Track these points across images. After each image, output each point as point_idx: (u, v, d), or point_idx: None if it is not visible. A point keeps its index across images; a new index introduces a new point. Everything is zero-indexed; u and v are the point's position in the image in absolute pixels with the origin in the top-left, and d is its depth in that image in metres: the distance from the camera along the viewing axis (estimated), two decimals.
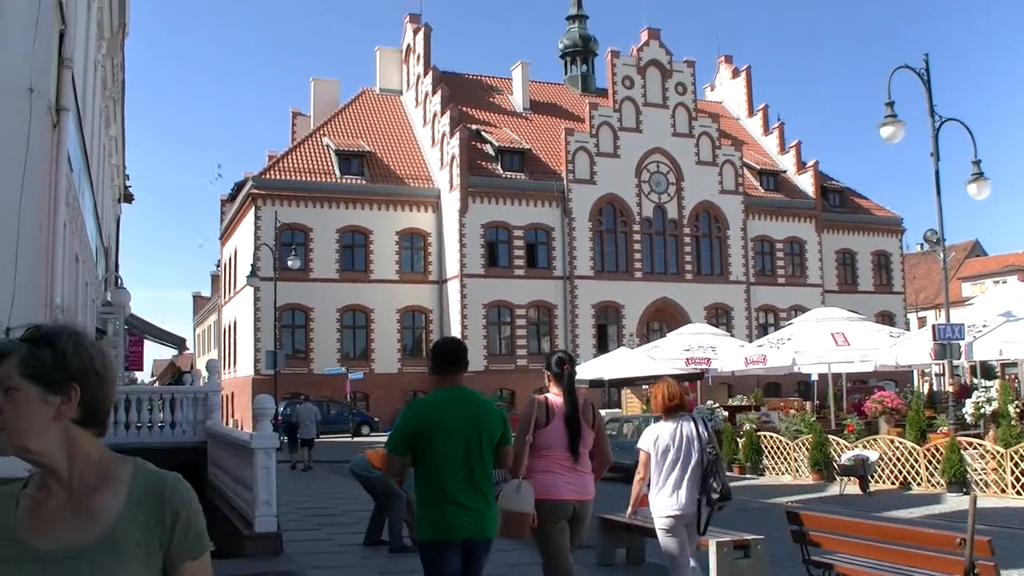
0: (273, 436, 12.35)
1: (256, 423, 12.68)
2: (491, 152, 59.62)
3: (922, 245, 76.94)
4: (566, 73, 73.92)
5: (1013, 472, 18.40)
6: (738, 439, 26.01)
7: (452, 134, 57.73)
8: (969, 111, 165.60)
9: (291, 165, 57.67)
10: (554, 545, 7.18)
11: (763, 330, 59.31)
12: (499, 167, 58.93)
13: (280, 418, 37.04)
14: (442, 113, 59.74)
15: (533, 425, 7.28)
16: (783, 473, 24.14)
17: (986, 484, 19.05)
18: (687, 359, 30.91)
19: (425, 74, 63.82)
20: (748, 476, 25.03)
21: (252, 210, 55.28)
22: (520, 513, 6.91)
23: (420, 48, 65.07)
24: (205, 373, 21.05)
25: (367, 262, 57.69)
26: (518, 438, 7.14)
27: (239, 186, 61.44)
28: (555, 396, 7.51)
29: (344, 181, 57.75)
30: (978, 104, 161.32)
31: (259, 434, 12.26)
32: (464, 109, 61.80)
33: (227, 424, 46.30)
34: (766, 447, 25.24)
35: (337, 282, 56.44)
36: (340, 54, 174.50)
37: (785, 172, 69.72)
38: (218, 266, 76.84)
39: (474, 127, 60.33)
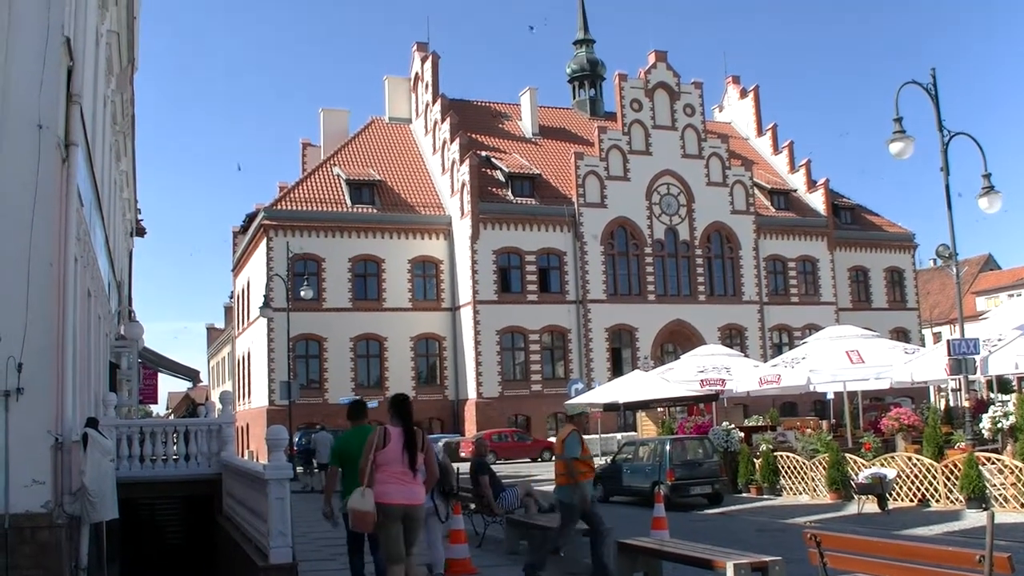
0: (287, 466, 12.30)
1: (270, 454, 12.64)
2: (501, 178, 59.74)
3: (935, 260, 76.45)
4: (574, 97, 74.11)
5: None
6: (755, 460, 25.88)
7: (462, 161, 57.88)
8: (979, 124, 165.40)
9: (302, 195, 57.86)
10: (388, 538, 9.53)
11: (777, 349, 59.21)
12: (510, 193, 59.04)
13: (296, 448, 37.18)
14: (451, 140, 59.92)
15: (374, 448, 9.54)
16: (801, 493, 24.01)
17: (1005, 499, 18.92)
18: (702, 381, 30.84)
19: (434, 102, 64.05)
20: (766, 496, 24.91)
21: (264, 241, 55.44)
22: (363, 511, 9.33)
23: (428, 76, 65.33)
24: (219, 405, 21.04)
25: (380, 291, 57.76)
26: (363, 458, 9.58)
27: (251, 217, 61.61)
28: (392, 426, 9.72)
29: (355, 210, 57.89)
30: (989, 117, 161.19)
31: (273, 465, 12.21)
32: (473, 136, 61.97)
33: (242, 455, 46.34)
34: (783, 467, 25.11)
35: (350, 311, 56.50)
36: (349, 84, 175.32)
37: (796, 191, 69.71)
38: (231, 298, 77.03)
39: (484, 154, 60.48)
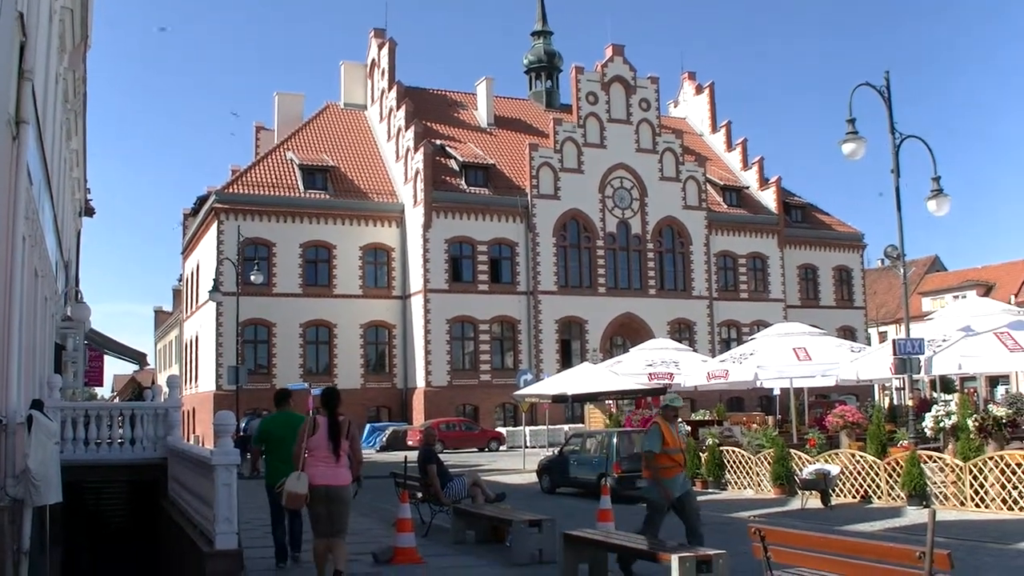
0: (234, 452, 12.24)
1: (217, 439, 12.57)
2: (455, 167, 59.65)
3: (883, 260, 77.30)
4: (531, 88, 74.17)
5: (972, 485, 18.56)
6: (701, 454, 26.07)
7: (416, 149, 57.72)
8: (930, 127, 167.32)
9: (254, 179, 57.45)
10: (314, 515, 10.75)
11: (726, 345, 59.61)
12: (463, 182, 58.99)
13: (241, 433, 36.95)
14: (406, 128, 59.73)
15: (305, 435, 10.73)
16: (745, 487, 24.23)
17: (945, 497, 19.21)
18: (650, 374, 30.93)
19: (390, 89, 63.82)
20: (711, 490, 25.09)
21: (215, 224, 55.03)
22: (298, 493, 10.49)
23: (385, 63, 65.09)
24: (166, 389, 20.89)
25: (330, 277, 57.55)
26: (296, 444, 10.82)
27: (202, 200, 61.07)
28: (321, 416, 10.88)
29: (308, 196, 57.60)
30: (939, 120, 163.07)
31: (219, 450, 12.13)
32: (428, 124, 61.85)
33: (188, 440, 45.99)
34: (729, 461, 25.32)
35: (300, 297, 56.23)
36: (305, 68, 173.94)
37: (748, 188, 70.19)
38: (180, 281, 76.36)
39: (438, 142, 60.39)
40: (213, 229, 55.48)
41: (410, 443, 46.32)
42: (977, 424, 19.83)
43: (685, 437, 26.88)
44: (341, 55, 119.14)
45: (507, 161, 62.13)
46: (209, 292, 45.54)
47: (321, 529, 10.77)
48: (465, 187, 58.84)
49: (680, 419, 28.91)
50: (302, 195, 57.55)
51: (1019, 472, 17.79)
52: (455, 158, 59.94)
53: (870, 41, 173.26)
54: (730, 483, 25.14)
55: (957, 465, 18.98)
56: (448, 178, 58.75)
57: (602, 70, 63.91)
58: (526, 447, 42.17)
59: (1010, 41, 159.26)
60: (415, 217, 57.63)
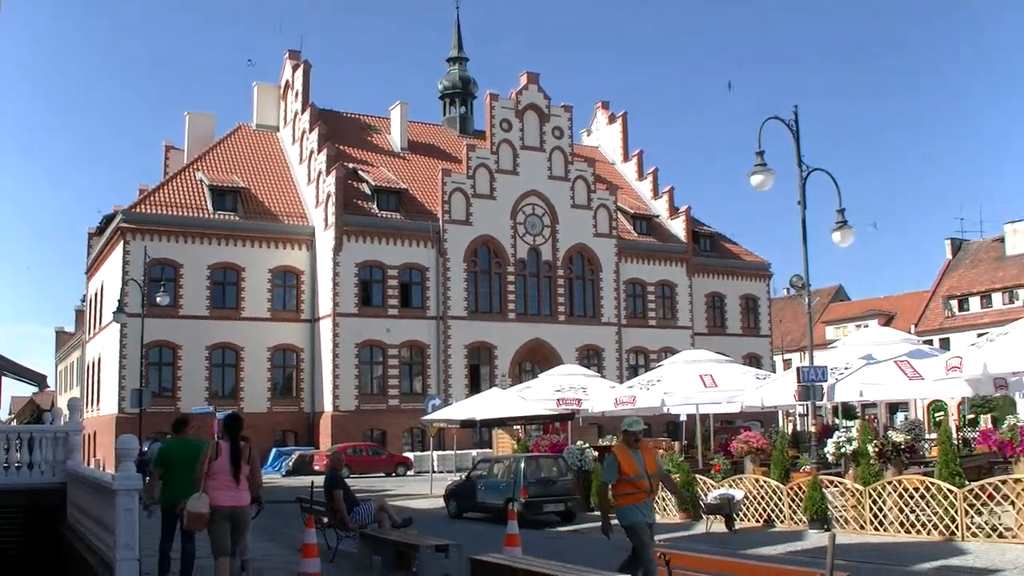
0: (136, 477, 12.06)
1: (119, 463, 12.37)
2: (367, 191, 59.49)
3: (788, 289, 78.82)
4: (445, 114, 74.26)
5: (871, 509, 18.90)
6: None
7: (328, 172, 57.43)
8: (837, 160, 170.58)
9: (163, 199, 56.63)
10: (216, 534, 11.19)
11: (633, 371, 60.05)
12: (375, 206, 58.82)
13: (143, 456, 36.30)
14: (319, 151, 59.43)
15: (208, 459, 11.27)
16: (655, 512, 24.36)
17: (846, 521, 19.53)
18: (558, 399, 30.98)
19: (303, 111, 63.48)
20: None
21: (121, 244, 54.10)
22: (200, 513, 10.98)
23: (299, 85, 64.72)
24: (66, 411, 20.42)
25: (238, 299, 56.90)
26: (199, 467, 11.35)
27: (108, 219, 60.06)
28: (223, 442, 11.35)
29: (217, 217, 56.95)
30: (845, 153, 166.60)
31: (121, 474, 11.93)
32: (341, 147, 61.59)
33: (89, 464, 45.06)
34: None
35: (207, 319, 55.48)
36: (217, 88, 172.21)
37: (658, 217, 70.96)
38: (83, 301, 74.93)
39: (351, 166, 60.19)
40: (119, 249, 54.50)
41: (317, 468, 45.90)
42: (877, 450, 20.22)
43: (592, 462, 27.16)
44: (255, 76, 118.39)
45: (419, 186, 62.08)
46: (113, 313, 44.76)
47: (222, 546, 11.23)
48: (377, 211, 58.66)
49: (588, 444, 29.16)
50: (211, 216, 56.87)
51: (916, 496, 18.16)
52: (367, 182, 59.76)
53: (782, 75, 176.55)
54: None
55: (857, 489, 19.31)
56: (360, 202, 58.54)
57: (516, 97, 64.24)
58: (434, 472, 42.05)
59: (911, 77, 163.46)
60: (326, 240, 57.28)
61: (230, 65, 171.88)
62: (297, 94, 64.96)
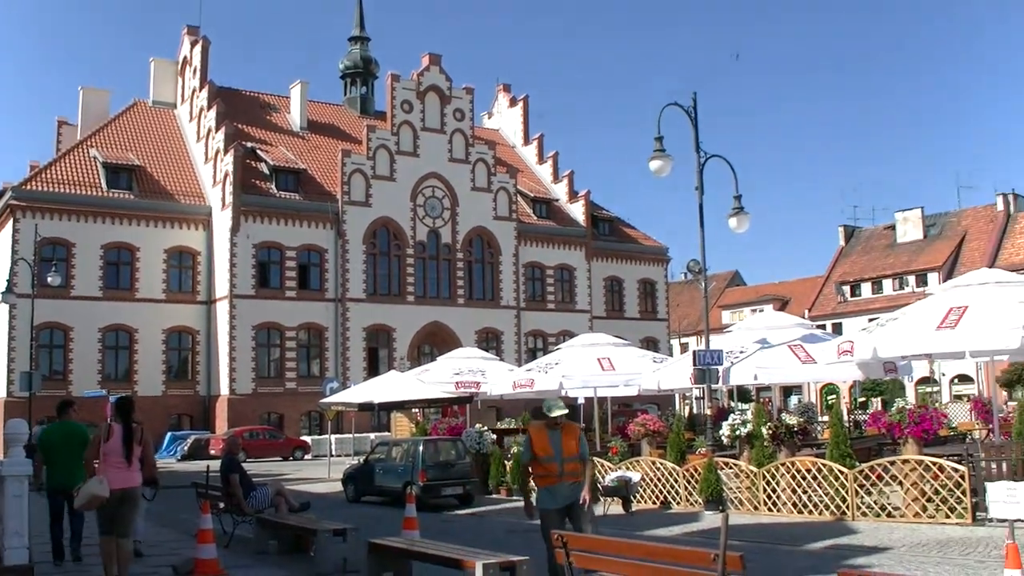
0: (26, 463, 11.77)
1: (7, 449, 12.05)
2: (266, 171, 58.76)
3: (686, 274, 79.83)
4: (346, 94, 73.61)
5: (765, 490, 19.23)
6: (506, 462, 26.26)
7: (226, 151, 56.60)
8: (735, 147, 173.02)
9: (55, 176, 55.23)
10: (104, 515, 11.19)
11: (532, 354, 60.29)
12: (273, 186, 58.13)
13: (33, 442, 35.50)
14: (217, 129, 58.52)
15: (100, 441, 11.28)
16: None
17: (741, 502, 19.85)
18: (457, 383, 31.02)
19: (201, 88, 62.40)
20: (516, 498, 25.27)
21: (10, 222, 52.65)
22: (98, 495, 10.91)
23: (197, 61, 63.57)
24: None
25: (132, 280, 55.81)
26: (90, 450, 11.64)
27: None
28: (116, 424, 11.37)
29: (111, 195, 55.73)
30: (743, 140, 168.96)
31: (10, 461, 11.63)
32: (240, 126, 60.72)
33: None
34: None
35: (100, 300, 54.34)
36: (112, 63, 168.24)
37: (558, 200, 71.26)
38: None
39: (249, 145, 59.35)
40: (8, 227, 53.03)
41: (213, 452, 45.31)
42: (771, 432, 20.55)
43: (490, 445, 27.22)
44: (152, 52, 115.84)
45: (319, 166, 61.51)
46: (2, 293, 43.56)
47: (108, 528, 11.25)
48: (275, 191, 57.99)
49: (486, 427, 29.20)
50: (105, 194, 55.62)
51: (808, 477, 18.52)
52: (266, 162, 59.03)
53: (682, 61, 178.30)
54: (534, 491, 25.36)
55: (751, 471, 19.63)
56: (258, 182, 57.80)
57: (418, 79, 63.93)
58: (331, 456, 41.80)
59: (811, 67, 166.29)
60: (223, 221, 56.46)
61: (126, 40, 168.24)
62: (195, 71, 63.81)
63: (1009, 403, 43.43)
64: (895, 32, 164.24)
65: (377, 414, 45.99)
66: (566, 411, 10.99)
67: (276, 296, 56.66)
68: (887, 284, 75.63)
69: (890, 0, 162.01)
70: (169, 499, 23.60)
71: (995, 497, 10.16)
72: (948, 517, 16.48)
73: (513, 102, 78.87)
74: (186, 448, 49.49)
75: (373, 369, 56.20)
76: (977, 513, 16.11)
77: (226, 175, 56.35)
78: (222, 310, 55.86)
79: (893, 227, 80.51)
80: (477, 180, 64.88)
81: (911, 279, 73.58)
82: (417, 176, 62.25)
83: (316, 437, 52.29)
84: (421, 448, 24.28)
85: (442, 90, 64.74)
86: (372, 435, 48.90)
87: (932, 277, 69.91)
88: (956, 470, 16.54)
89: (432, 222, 62.61)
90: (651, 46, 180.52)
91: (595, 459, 23.48)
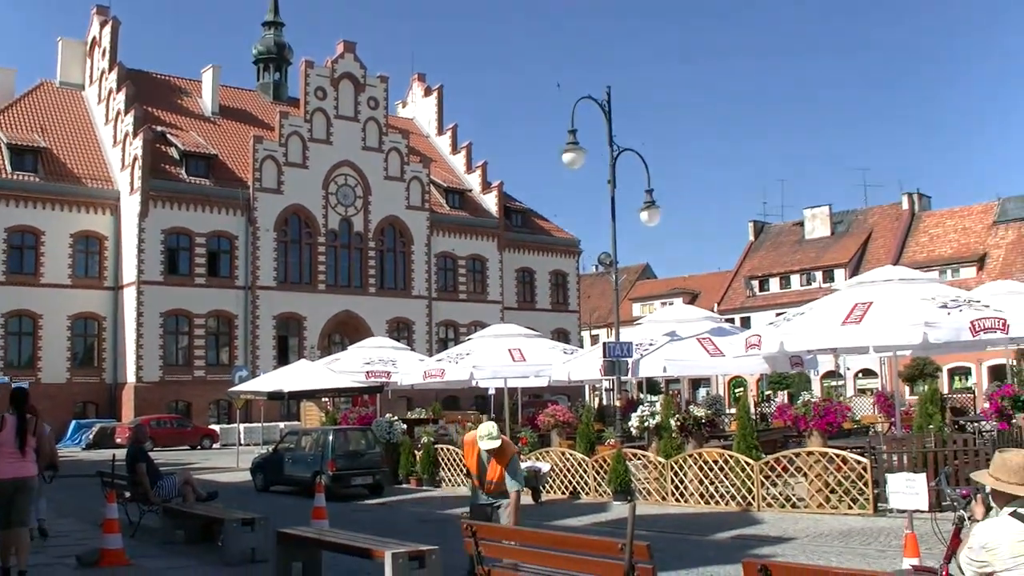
0: None
1: None
2: (176, 156, 57.88)
3: (597, 266, 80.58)
4: (258, 80, 72.73)
5: (673, 481, 19.49)
6: (416, 452, 26.28)
7: (135, 135, 55.63)
8: (648, 142, 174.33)
9: None
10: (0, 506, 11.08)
11: (443, 344, 60.30)
12: (183, 172, 57.30)
13: None
14: (126, 112, 57.47)
15: None
16: (459, 485, 24.57)
17: (649, 492, 20.08)
18: (367, 372, 30.91)
19: (110, 70, 61.21)
20: (425, 488, 25.34)
21: None
22: None
23: (106, 42, 62.37)
24: None
25: (37, 265, 54.61)
26: None
27: None
28: (9, 415, 11.28)
29: (15, 177, 54.45)
30: (656, 136, 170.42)
31: None
32: (149, 109, 59.73)
33: None
34: (443, 459, 25.63)
35: (3, 285, 53.07)
36: (19, 42, 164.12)
37: (471, 191, 71.30)
38: None
39: (159, 129, 58.43)
40: None
41: (119, 440, 44.64)
42: (679, 424, 20.84)
43: (400, 435, 27.23)
44: (59, 31, 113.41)
45: (230, 152, 60.79)
46: None
47: (4, 520, 11.12)
48: (185, 177, 57.16)
49: (396, 417, 29.16)
50: (9, 176, 54.27)
51: (716, 469, 18.81)
52: (176, 146, 58.14)
53: (602, 55, 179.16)
54: (444, 481, 25.46)
55: (660, 462, 19.87)
56: (168, 167, 56.92)
57: (332, 66, 63.47)
58: (240, 445, 41.43)
59: (725, 62, 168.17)
60: (131, 205, 55.51)
61: (34, 18, 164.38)
62: (104, 52, 62.58)
63: (911, 397, 44.45)
64: (806, 30, 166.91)
65: (287, 403, 45.87)
66: (495, 445, 10.82)
67: (185, 283, 55.88)
68: (795, 279, 76.82)
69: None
70: (74, 489, 23.26)
71: (895, 488, 10.40)
72: (851, 508, 16.87)
73: (428, 92, 78.64)
74: (91, 437, 48.64)
75: (283, 358, 55.74)
76: (879, 504, 16.52)
77: (135, 159, 55.40)
78: (129, 296, 54.94)
79: (801, 224, 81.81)
80: (390, 169, 64.64)
81: (818, 275, 74.84)
82: (330, 164, 61.84)
83: (225, 426, 51.74)
84: (331, 438, 24.19)
85: (356, 78, 64.35)
86: (281, 424, 48.59)
87: (839, 273, 71.16)
88: (859, 462, 16.93)
89: (344, 210, 62.27)
90: (568, 39, 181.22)
91: None
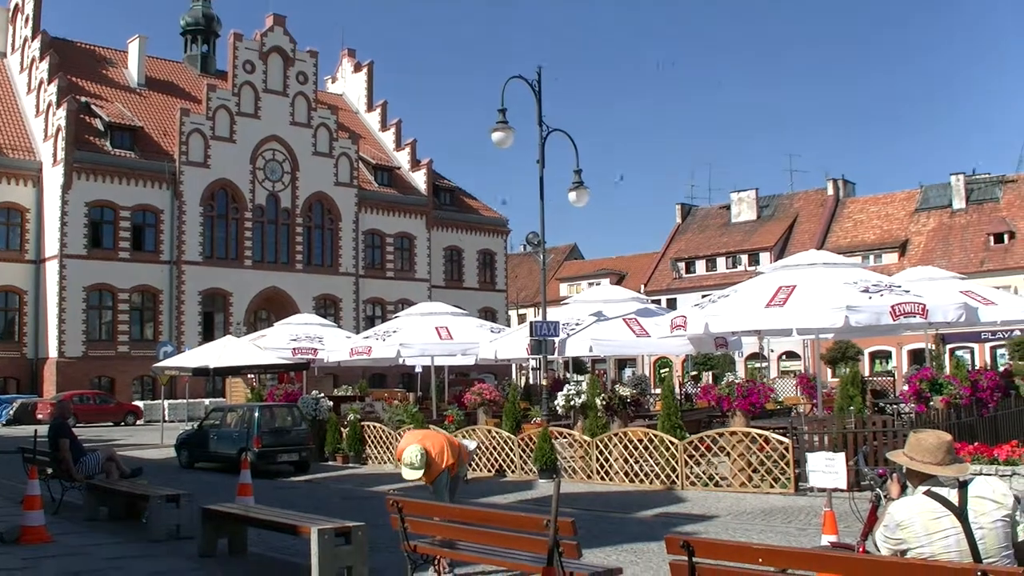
0: None
1: None
2: (101, 127, 56.95)
3: (525, 246, 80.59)
4: (186, 51, 71.61)
5: (598, 459, 19.69)
6: (342, 429, 26.26)
7: (59, 105, 54.62)
8: (579, 124, 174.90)
9: None
10: None
11: (370, 322, 60.23)
12: (108, 143, 56.38)
13: None
14: (49, 81, 56.41)
15: None
16: (386, 462, 24.61)
17: (575, 471, 20.27)
18: (294, 349, 30.79)
19: (33, 38, 59.97)
20: (352, 465, 25.34)
21: None
22: None
23: (29, 9, 61.11)
24: None
25: None
26: None
27: None
28: None
29: None
30: (588, 118, 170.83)
31: None
32: (74, 79, 58.66)
33: None
34: (369, 437, 25.63)
35: None
36: None
37: (400, 168, 71.09)
38: None
39: (83, 99, 57.38)
40: None
41: (40, 416, 44.02)
42: (604, 403, 21.04)
43: (326, 412, 27.17)
44: None
45: (156, 125, 59.93)
46: None
47: None
48: (110, 149, 56.26)
49: (323, 394, 29.08)
50: None
51: (640, 448, 19.03)
52: (101, 117, 57.19)
53: (531, 35, 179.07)
54: (371, 458, 25.47)
55: (585, 441, 20.06)
56: (92, 138, 55.98)
57: (261, 39, 62.79)
58: (165, 421, 41.09)
59: (656, 44, 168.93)
60: (54, 177, 54.54)
61: None
62: (27, 19, 61.31)
63: (832, 380, 45.21)
64: (735, 20, 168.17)
65: (212, 380, 45.55)
66: (416, 476, 10.77)
67: (109, 257, 55.09)
68: (721, 262, 77.59)
69: None
70: None
71: (814, 467, 10.63)
72: (772, 487, 17.18)
73: (358, 68, 78.12)
74: (12, 412, 47.89)
75: (209, 334, 55.19)
76: (800, 483, 16.85)
77: (58, 130, 54.41)
78: (52, 270, 54.04)
79: (728, 207, 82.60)
80: (319, 145, 64.23)
81: (744, 258, 75.64)
82: (257, 138, 61.28)
83: (149, 402, 51.19)
84: (256, 414, 24.09)
85: (286, 52, 63.75)
86: (207, 401, 48.20)
87: (764, 257, 71.94)
88: (781, 442, 17.23)
89: (272, 186, 61.79)
90: (502, 17, 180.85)
91: (431, 427, 23.67)
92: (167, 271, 57.17)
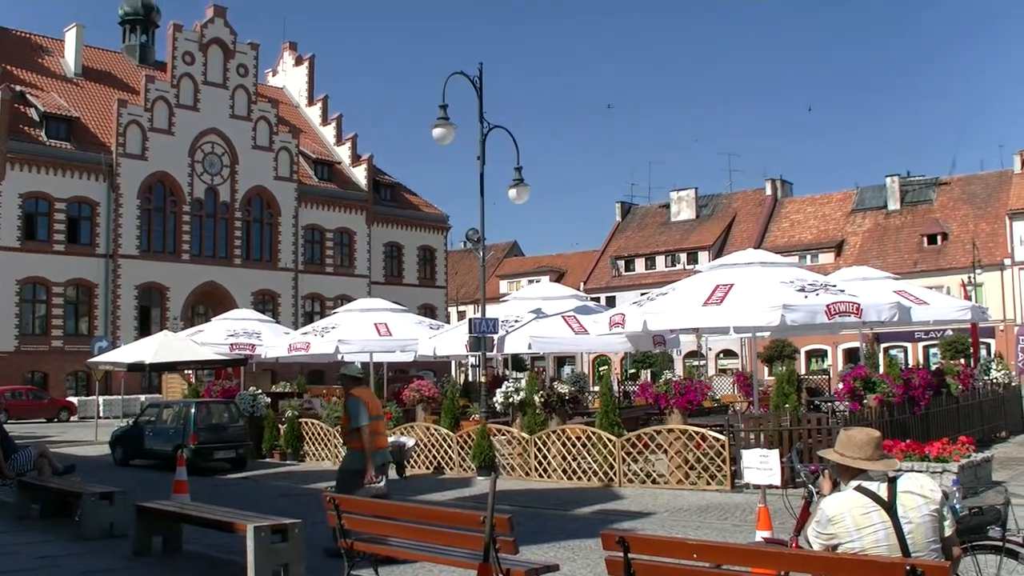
0: None
1: None
2: (36, 117, 56.08)
3: (465, 243, 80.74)
4: (124, 41, 70.59)
5: (536, 456, 19.73)
6: (280, 426, 26.10)
7: None
8: (519, 121, 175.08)
9: None
10: None
11: (309, 318, 59.91)
12: (43, 134, 55.55)
13: None
14: None
15: None
16: (324, 459, 24.50)
17: (513, 468, 20.30)
18: (231, 344, 30.59)
19: None
20: (289, 462, 25.19)
21: None
22: None
23: None
24: None
25: None
26: None
27: None
28: None
29: None
30: (527, 115, 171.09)
31: None
32: (8, 68, 57.76)
33: None
34: (307, 433, 25.49)
35: None
36: None
37: (340, 163, 70.78)
38: None
39: (18, 88, 56.47)
40: None
41: None
42: (543, 400, 21.08)
43: (264, 408, 27.02)
44: None
45: (93, 115, 59.14)
46: None
47: None
48: (45, 139, 55.43)
49: (260, 390, 28.93)
50: None
51: (579, 445, 19.10)
52: (36, 107, 56.33)
53: (469, 32, 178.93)
54: (308, 455, 25.33)
55: (524, 438, 20.10)
56: (27, 128, 55.11)
57: (201, 30, 62.22)
58: (99, 418, 40.61)
59: (602, 47, 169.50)
60: None
61: None
62: None
63: (769, 378, 45.68)
64: (677, 20, 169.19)
65: (148, 375, 44.97)
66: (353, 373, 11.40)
67: (43, 249, 54.26)
68: (660, 260, 78.13)
69: None
70: None
71: (749, 464, 10.73)
72: (709, 484, 17.32)
73: (299, 61, 77.56)
74: None
75: (145, 328, 54.65)
76: (735, 480, 16.99)
77: None
78: None
79: (668, 206, 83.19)
80: (259, 138, 63.81)
81: (683, 256, 76.24)
82: (196, 131, 60.72)
83: (83, 398, 50.55)
84: (193, 410, 23.86)
85: (226, 44, 63.23)
86: (142, 397, 47.67)
87: (703, 255, 72.54)
88: (717, 439, 17.37)
89: (210, 179, 61.28)
90: (447, 13, 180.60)
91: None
92: (103, 264, 56.45)
